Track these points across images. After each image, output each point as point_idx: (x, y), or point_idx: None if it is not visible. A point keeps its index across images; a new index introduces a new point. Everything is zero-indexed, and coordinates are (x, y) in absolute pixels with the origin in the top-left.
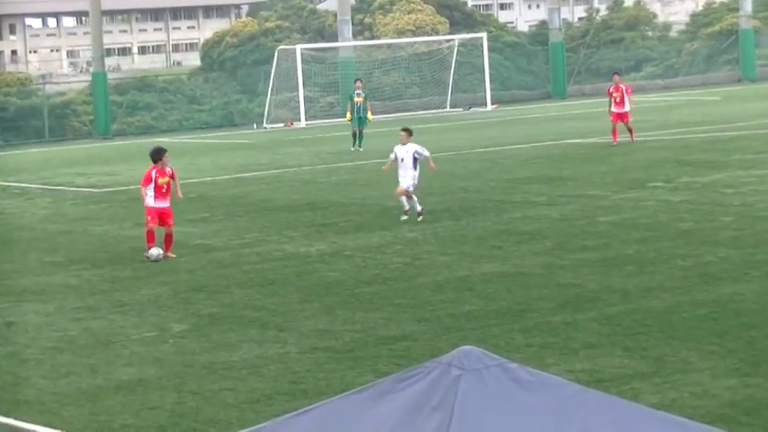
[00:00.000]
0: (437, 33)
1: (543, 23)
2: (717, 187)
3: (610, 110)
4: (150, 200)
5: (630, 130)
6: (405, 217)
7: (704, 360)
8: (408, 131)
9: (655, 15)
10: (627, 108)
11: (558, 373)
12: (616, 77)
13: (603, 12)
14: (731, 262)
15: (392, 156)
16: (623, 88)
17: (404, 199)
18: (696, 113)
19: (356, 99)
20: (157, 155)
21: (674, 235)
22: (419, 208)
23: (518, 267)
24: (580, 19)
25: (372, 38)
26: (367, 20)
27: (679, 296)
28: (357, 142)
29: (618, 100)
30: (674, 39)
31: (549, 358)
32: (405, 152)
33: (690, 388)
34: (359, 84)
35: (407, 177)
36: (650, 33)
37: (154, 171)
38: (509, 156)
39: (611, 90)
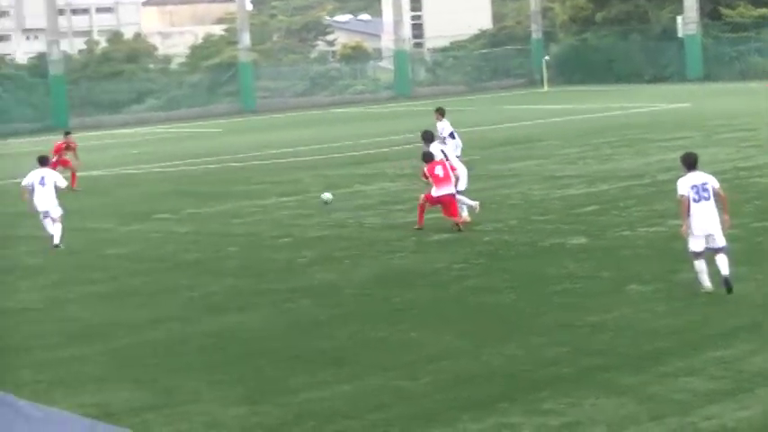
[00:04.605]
0: None
1: (42, 55)
2: (222, 218)
3: None
4: None
5: None
6: None
7: (214, 389)
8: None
9: (155, 47)
10: None
11: (68, 407)
12: None
13: (104, 44)
14: (238, 291)
15: None
16: None
17: None
18: (199, 145)
19: None
20: None
21: (181, 266)
22: None
23: (23, 303)
24: (80, 51)
25: None
26: None
27: (187, 327)
28: None
29: None
30: (175, 71)
31: (58, 393)
32: None
33: (201, 418)
34: None
35: None
36: (151, 66)
37: None
38: (9, 190)
39: None
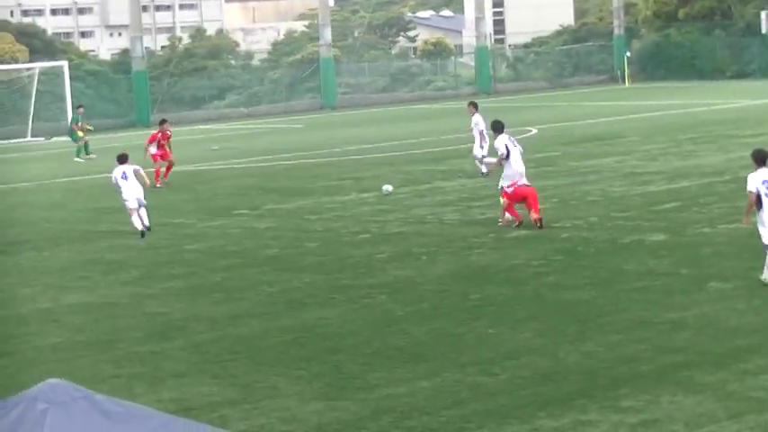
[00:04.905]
0: (16, 61)
1: (125, 52)
2: (301, 213)
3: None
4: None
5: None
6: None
7: (292, 385)
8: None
9: (237, 44)
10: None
11: (147, 403)
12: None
13: (186, 40)
14: (316, 287)
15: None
16: None
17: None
18: (280, 141)
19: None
20: None
21: (260, 261)
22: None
23: (105, 297)
24: (163, 47)
25: None
26: None
27: (266, 322)
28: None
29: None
30: (257, 67)
31: (137, 388)
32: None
33: (278, 413)
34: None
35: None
36: (233, 62)
37: None
38: (95, 185)
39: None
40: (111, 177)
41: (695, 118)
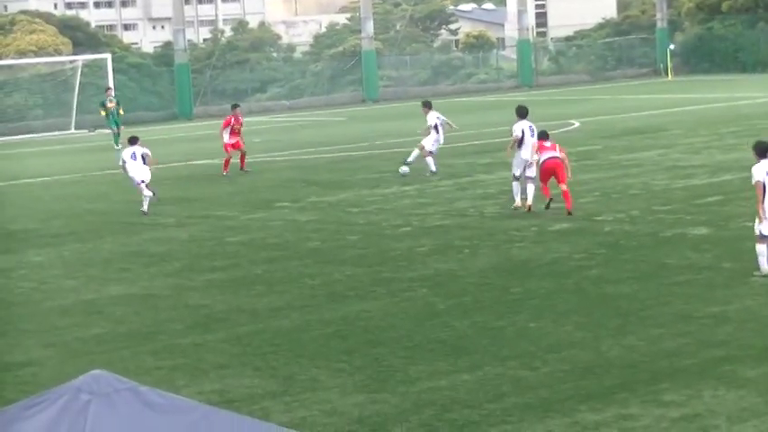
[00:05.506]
0: (60, 54)
1: (168, 44)
2: (343, 206)
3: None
4: None
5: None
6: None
7: (333, 377)
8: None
9: (279, 37)
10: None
11: (189, 394)
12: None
13: (228, 33)
14: (358, 280)
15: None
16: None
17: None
18: (321, 134)
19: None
20: None
21: (301, 254)
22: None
23: (147, 289)
24: (205, 40)
25: None
26: None
27: (308, 315)
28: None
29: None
30: (299, 60)
31: (179, 380)
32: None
33: (319, 406)
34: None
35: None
36: (275, 54)
37: None
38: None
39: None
40: (121, 159)
41: (738, 111)
